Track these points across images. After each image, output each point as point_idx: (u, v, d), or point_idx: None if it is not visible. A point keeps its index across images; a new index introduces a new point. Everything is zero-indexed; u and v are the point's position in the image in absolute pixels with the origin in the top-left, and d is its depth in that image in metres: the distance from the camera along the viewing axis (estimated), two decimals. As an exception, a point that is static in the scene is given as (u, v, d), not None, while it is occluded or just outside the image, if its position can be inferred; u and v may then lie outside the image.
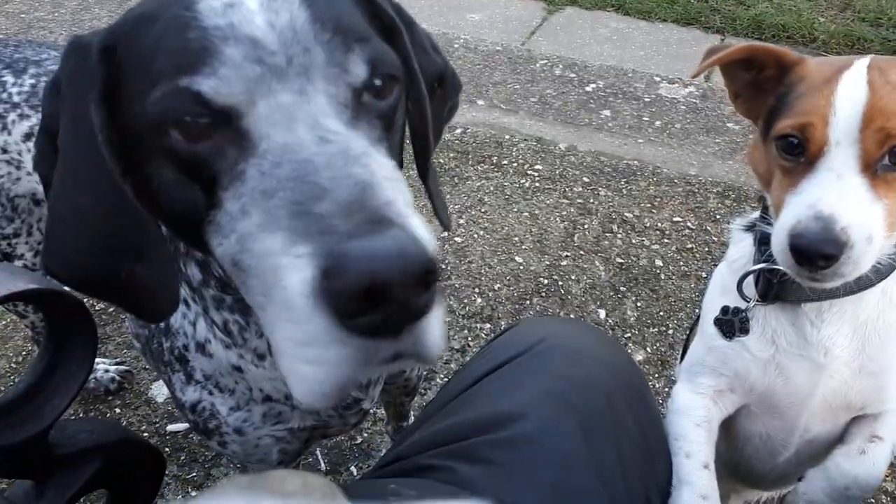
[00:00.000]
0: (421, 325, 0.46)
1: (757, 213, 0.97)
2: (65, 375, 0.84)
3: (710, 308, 0.94)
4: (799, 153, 0.77)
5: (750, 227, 0.94)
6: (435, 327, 0.47)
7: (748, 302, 0.88)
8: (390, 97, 0.58)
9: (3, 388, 1.67)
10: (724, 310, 0.91)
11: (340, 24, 0.55)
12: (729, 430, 1.01)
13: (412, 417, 1.51)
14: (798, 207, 0.75)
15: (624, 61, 3.15)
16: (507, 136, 2.62)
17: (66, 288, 0.68)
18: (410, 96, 0.64)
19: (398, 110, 0.60)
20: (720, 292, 0.94)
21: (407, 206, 0.48)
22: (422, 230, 0.46)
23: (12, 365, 1.73)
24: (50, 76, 1.14)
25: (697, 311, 1.98)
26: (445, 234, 2.18)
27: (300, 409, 0.88)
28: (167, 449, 1.55)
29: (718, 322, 0.91)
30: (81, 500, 0.83)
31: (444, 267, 0.45)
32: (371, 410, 1.65)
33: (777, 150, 0.80)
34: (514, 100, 2.86)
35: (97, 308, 1.89)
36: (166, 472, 1.05)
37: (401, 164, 0.64)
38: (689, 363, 0.97)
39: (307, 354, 0.46)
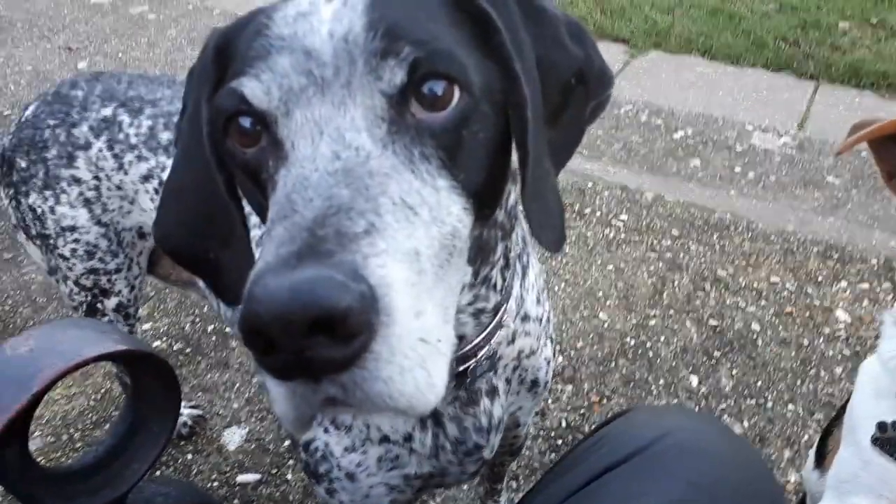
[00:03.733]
0: (352, 375, 0.41)
1: None
2: (146, 439, 0.82)
3: (862, 414, 0.82)
4: None
5: None
6: (378, 378, 0.41)
7: None
8: (448, 108, 0.51)
9: (80, 427, 1.67)
10: (882, 426, 0.78)
11: (393, 28, 0.51)
12: None
13: (505, 483, 1.41)
14: None
15: (711, 107, 3.03)
16: (589, 184, 2.54)
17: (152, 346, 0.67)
18: (510, 101, 0.56)
19: (470, 123, 0.53)
20: (873, 395, 0.82)
21: (389, 240, 0.44)
22: (376, 271, 0.41)
23: (91, 402, 1.74)
24: (166, 118, 1.17)
25: (799, 382, 1.83)
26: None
27: (419, 453, 0.83)
28: (236, 501, 1.51)
29: (879, 442, 0.78)
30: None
31: (368, 321, 0.40)
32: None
33: None
34: (597, 146, 2.77)
35: (174, 348, 1.89)
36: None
37: (495, 182, 0.59)
38: (839, 478, 0.84)
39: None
